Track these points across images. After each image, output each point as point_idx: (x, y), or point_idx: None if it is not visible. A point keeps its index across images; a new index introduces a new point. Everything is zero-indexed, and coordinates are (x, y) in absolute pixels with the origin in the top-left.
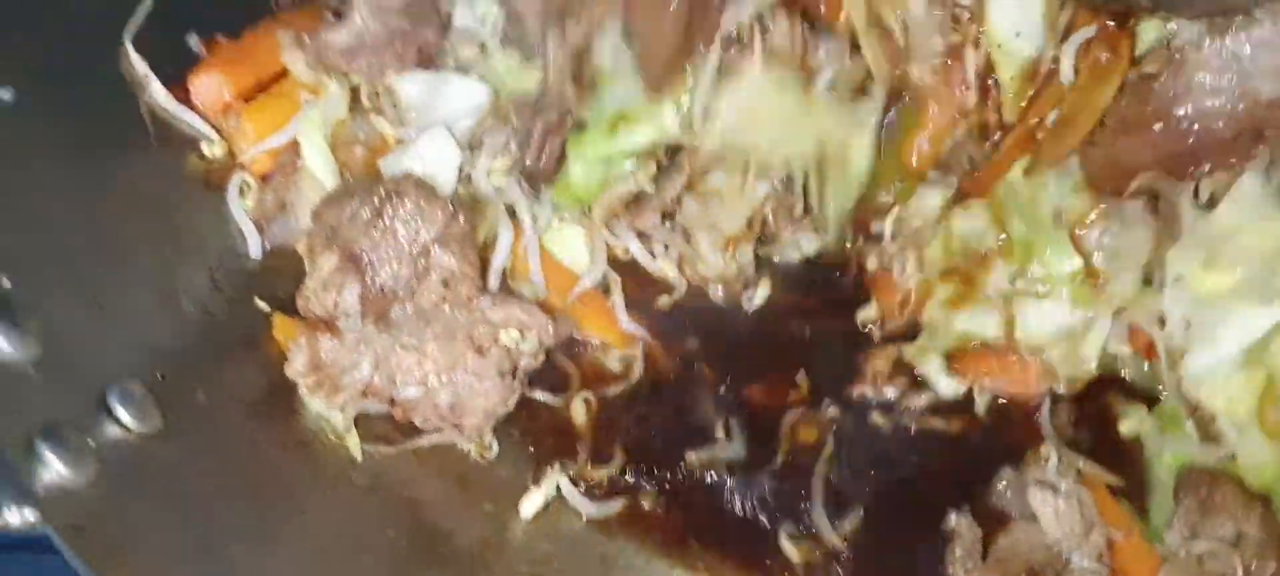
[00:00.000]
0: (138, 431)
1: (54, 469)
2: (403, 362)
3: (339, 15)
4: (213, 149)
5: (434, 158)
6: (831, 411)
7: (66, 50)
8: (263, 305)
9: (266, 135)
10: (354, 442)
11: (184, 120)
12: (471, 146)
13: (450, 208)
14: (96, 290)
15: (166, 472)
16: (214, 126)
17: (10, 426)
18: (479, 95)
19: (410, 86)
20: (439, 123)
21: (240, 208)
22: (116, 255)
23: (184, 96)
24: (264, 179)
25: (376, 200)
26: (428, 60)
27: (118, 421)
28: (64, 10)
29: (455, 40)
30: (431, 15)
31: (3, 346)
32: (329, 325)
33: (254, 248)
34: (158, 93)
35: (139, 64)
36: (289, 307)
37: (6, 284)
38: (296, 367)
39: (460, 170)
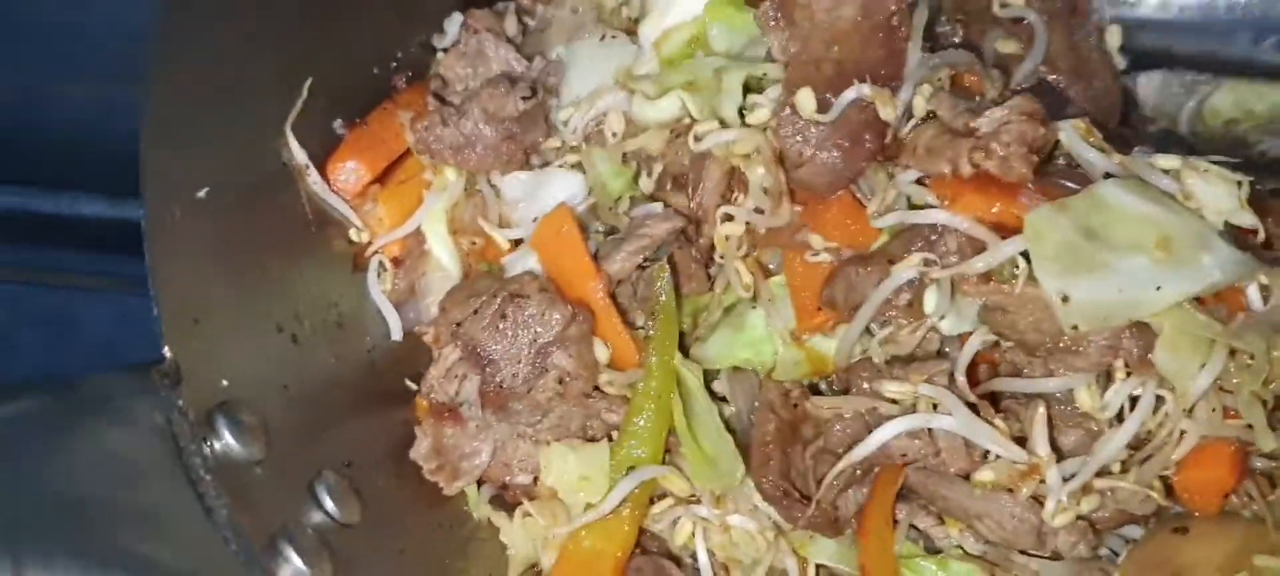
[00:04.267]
0: (342, 521)
1: (294, 565)
2: (519, 449)
3: (441, 100)
4: (360, 234)
5: None
6: None
7: (240, 145)
8: (411, 385)
9: (398, 221)
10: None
11: (334, 206)
12: None
13: (569, 310)
14: (287, 379)
15: (375, 564)
16: (355, 210)
17: (254, 528)
18: (577, 188)
19: (513, 186)
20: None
21: (379, 291)
22: (298, 343)
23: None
24: (397, 263)
25: (500, 300)
26: (529, 159)
27: (325, 512)
28: (236, 106)
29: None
30: (541, 121)
31: (235, 448)
32: (453, 412)
33: (396, 329)
34: (314, 180)
35: (299, 153)
36: None
37: (225, 383)
38: (420, 452)
39: None
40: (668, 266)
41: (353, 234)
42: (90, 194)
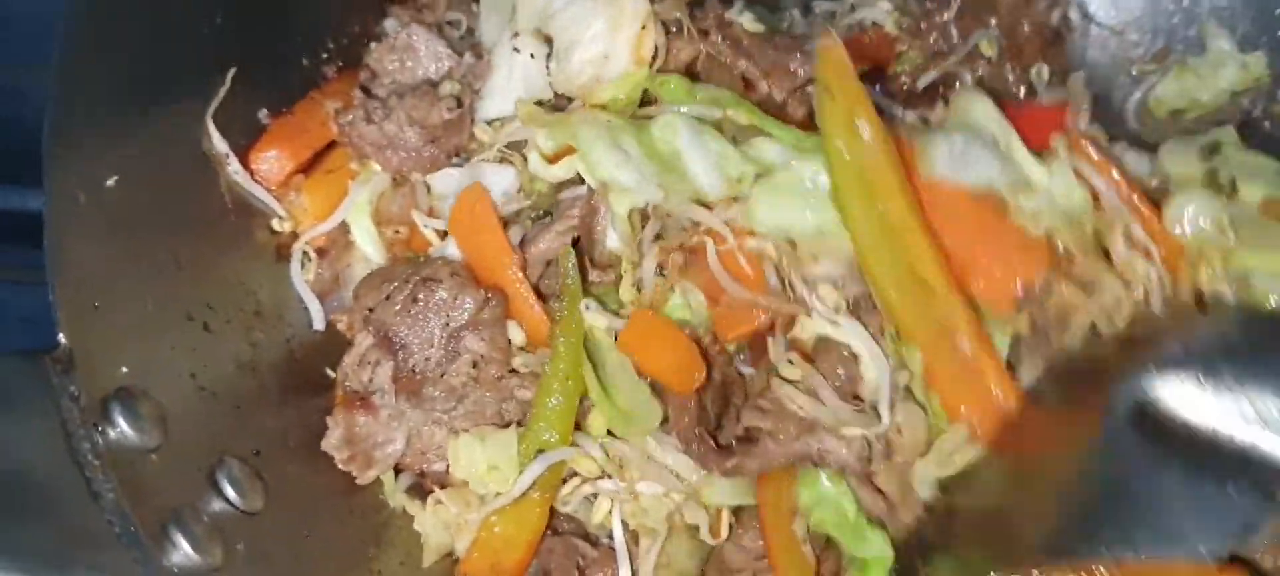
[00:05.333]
0: (244, 509)
1: (184, 551)
2: (434, 437)
3: (368, 93)
4: (283, 224)
5: None
6: None
7: (156, 133)
8: (331, 373)
9: (323, 211)
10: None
11: (256, 195)
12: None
13: (482, 294)
14: (194, 368)
15: (279, 551)
16: (278, 200)
17: (143, 514)
18: (508, 178)
19: (444, 181)
20: None
21: (302, 280)
22: (209, 331)
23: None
24: (321, 253)
25: (412, 285)
26: (452, 159)
27: (226, 500)
28: (153, 94)
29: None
30: (465, 125)
31: (129, 435)
32: (365, 400)
33: (317, 319)
34: (235, 170)
35: (219, 142)
36: None
37: (124, 370)
38: (331, 442)
39: None
40: (572, 250)
41: (275, 224)
42: None
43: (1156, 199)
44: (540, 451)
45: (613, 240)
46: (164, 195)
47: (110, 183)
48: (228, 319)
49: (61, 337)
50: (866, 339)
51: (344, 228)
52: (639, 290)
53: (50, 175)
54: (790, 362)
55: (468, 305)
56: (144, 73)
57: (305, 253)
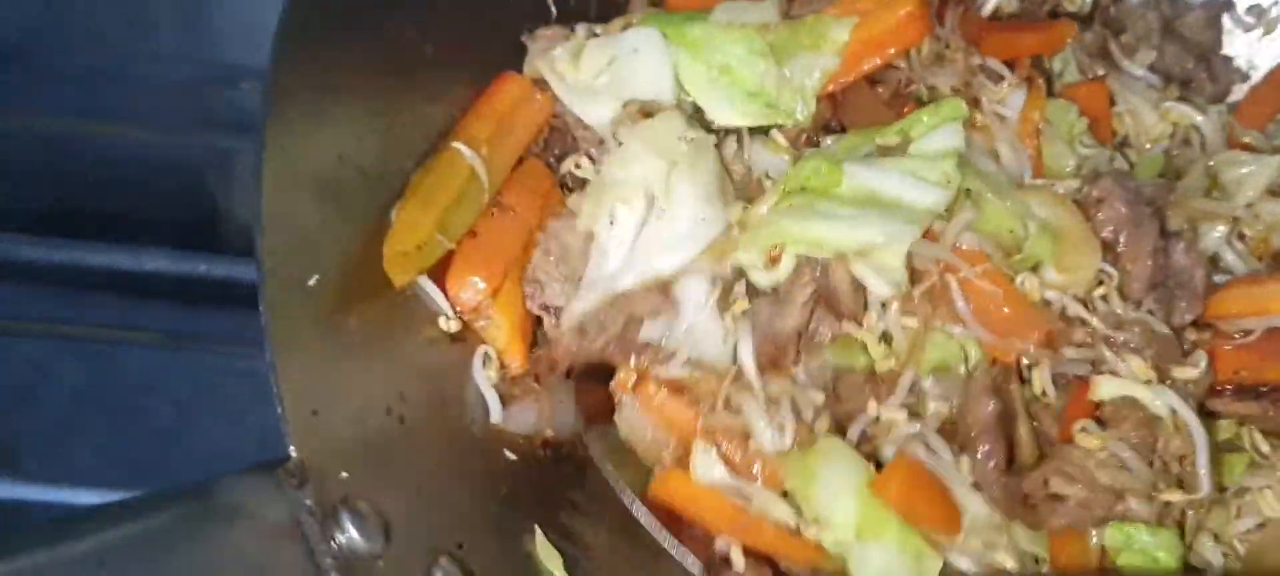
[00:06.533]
0: None
1: None
2: None
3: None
4: (449, 324)
5: None
6: None
7: (346, 229)
8: (511, 456)
9: (516, 322)
10: None
11: (428, 295)
12: None
13: None
14: (398, 464)
15: None
16: (462, 318)
17: None
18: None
19: None
20: None
21: (484, 376)
22: (405, 424)
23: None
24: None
25: None
26: None
27: None
28: (346, 199)
29: None
30: None
31: (358, 542)
32: None
33: (496, 413)
34: None
35: None
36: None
37: (345, 475)
38: None
39: None
40: None
41: (442, 322)
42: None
43: None
44: None
45: (878, 287)
46: (354, 289)
47: (311, 282)
48: (419, 409)
49: (292, 450)
50: (1178, 403)
51: None
52: (888, 344)
53: (265, 280)
54: (1085, 431)
55: None
56: (336, 171)
57: (487, 354)
